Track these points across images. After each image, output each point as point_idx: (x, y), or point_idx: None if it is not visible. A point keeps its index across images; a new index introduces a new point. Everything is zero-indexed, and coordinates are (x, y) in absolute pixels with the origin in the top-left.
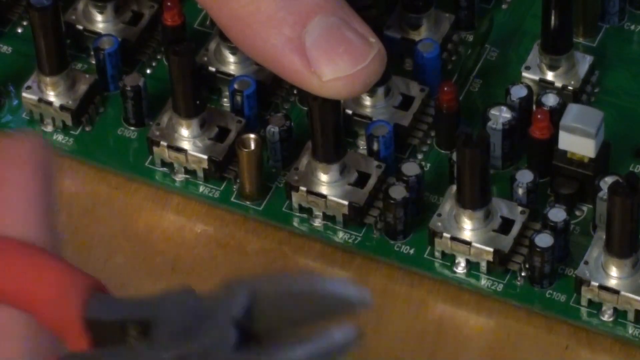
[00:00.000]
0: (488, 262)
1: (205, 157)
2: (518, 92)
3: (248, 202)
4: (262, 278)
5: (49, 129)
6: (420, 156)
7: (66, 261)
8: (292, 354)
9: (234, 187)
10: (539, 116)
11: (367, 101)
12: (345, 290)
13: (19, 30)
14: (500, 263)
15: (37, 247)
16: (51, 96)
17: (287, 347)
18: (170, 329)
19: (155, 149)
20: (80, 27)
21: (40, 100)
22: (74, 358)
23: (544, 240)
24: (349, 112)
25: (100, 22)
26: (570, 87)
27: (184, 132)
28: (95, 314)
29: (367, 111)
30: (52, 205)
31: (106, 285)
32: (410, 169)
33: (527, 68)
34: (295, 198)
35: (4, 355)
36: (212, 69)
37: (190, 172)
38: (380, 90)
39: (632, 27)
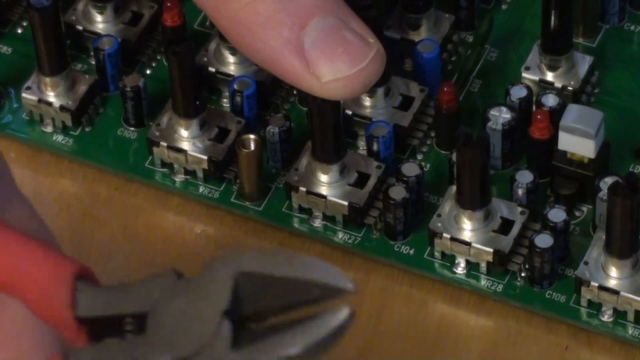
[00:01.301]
0: (488, 263)
1: (205, 157)
2: (518, 93)
3: (248, 203)
4: (245, 258)
5: (49, 129)
6: (420, 156)
7: (46, 248)
8: (292, 348)
9: (234, 187)
10: (538, 116)
11: (367, 102)
12: (328, 276)
13: (19, 31)
14: (500, 263)
15: (12, 231)
16: (51, 97)
17: (285, 340)
18: (164, 326)
19: (155, 149)
20: (80, 28)
21: (40, 100)
22: (76, 356)
23: (544, 240)
24: (349, 112)
25: (100, 22)
26: (570, 88)
27: (184, 132)
28: (88, 311)
29: (367, 112)
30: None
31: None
32: (410, 169)
33: (527, 68)
34: (295, 198)
35: (17, 349)
36: (212, 69)
37: (190, 173)
38: (380, 91)
39: (632, 27)
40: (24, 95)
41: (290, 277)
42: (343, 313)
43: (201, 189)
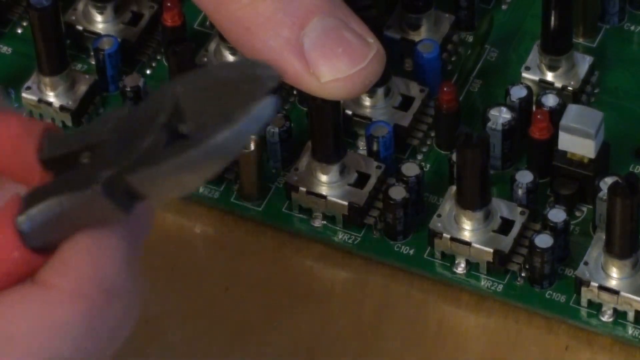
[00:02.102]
0: (488, 263)
1: None
2: (518, 93)
3: (248, 203)
4: (185, 78)
5: None
6: (420, 157)
7: (17, 112)
8: (220, 137)
9: (234, 187)
10: (538, 116)
11: (367, 102)
12: (255, 68)
13: (19, 31)
14: (500, 263)
15: None
16: (51, 97)
17: (213, 132)
18: (111, 147)
19: None
20: (80, 28)
21: (40, 100)
22: (34, 194)
23: (544, 240)
24: (349, 112)
25: (100, 22)
26: (570, 88)
27: None
28: (49, 152)
29: (367, 112)
30: None
31: None
32: (410, 169)
33: (527, 68)
34: (295, 198)
35: None
36: None
37: None
38: (380, 91)
39: (632, 27)
40: (24, 95)
41: (221, 77)
42: (265, 99)
43: (201, 189)
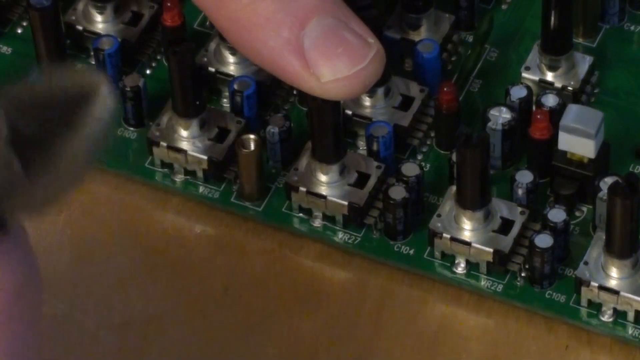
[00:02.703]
0: (488, 263)
1: (205, 157)
2: (518, 93)
3: (248, 203)
4: (9, 89)
5: None
6: (420, 157)
7: None
8: (70, 149)
9: (234, 187)
10: (538, 116)
11: (367, 102)
12: (81, 75)
13: (19, 31)
14: (500, 263)
15: None
16: None
17: (62, 148)
18: None
19: (155, 149)
20: (80, 28)
21: None
22: None
23: (544, 240)
24: (349, 112)
25: (100, 22)
26: (570, 88)
27: (184, 132)
28: None
29: (367, 112)
30: None
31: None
32: (410, 169)
33: (527, 68)
34: (295, 198)
35: None
36: (212, 69)
37: (190, 173)
38: (380, 91)
39: (632, 27)
40: None
41: (47, 88)
42: (102, 101)
43: (201, 189)
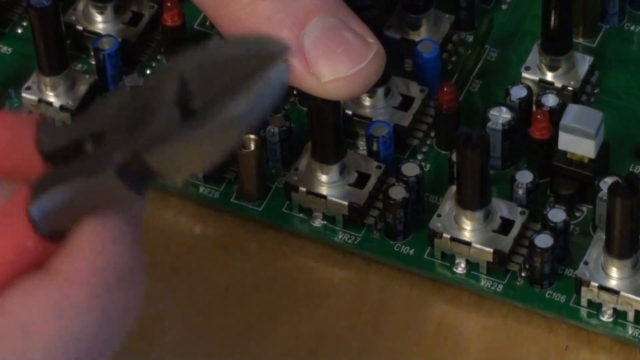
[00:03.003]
0: (488, 263)
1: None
2: (518, 93)
3: (248, 203)
4: (186, 56)
5: None
6: (420, 157)
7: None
8: (237, 105)
9: (234, 187)
10: (538, 116)
11: (367, 102)
12: (263, 43)
13: (19, 31)
14: (500, 263)
15: None
16: (51, 97)
17: (228, 103)
18: (119, 130)
19: None
20: (80, 28)
21: (40, 100)
22: (43, 183)
23: (544, 240)
24: (349, 112)
25: (100, 22)
26: (570, 88)
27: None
28: (49, 144)
29: (367, 112)
30: None
31: None
32: (410, 169)
33: (527, 68)
34: (295, 198)
35: None
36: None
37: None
38: (380, 91)
39: (632, 27)
40: (24, 95)
41: (224, 54)
42: (278, 65)
43: (201, 189)
